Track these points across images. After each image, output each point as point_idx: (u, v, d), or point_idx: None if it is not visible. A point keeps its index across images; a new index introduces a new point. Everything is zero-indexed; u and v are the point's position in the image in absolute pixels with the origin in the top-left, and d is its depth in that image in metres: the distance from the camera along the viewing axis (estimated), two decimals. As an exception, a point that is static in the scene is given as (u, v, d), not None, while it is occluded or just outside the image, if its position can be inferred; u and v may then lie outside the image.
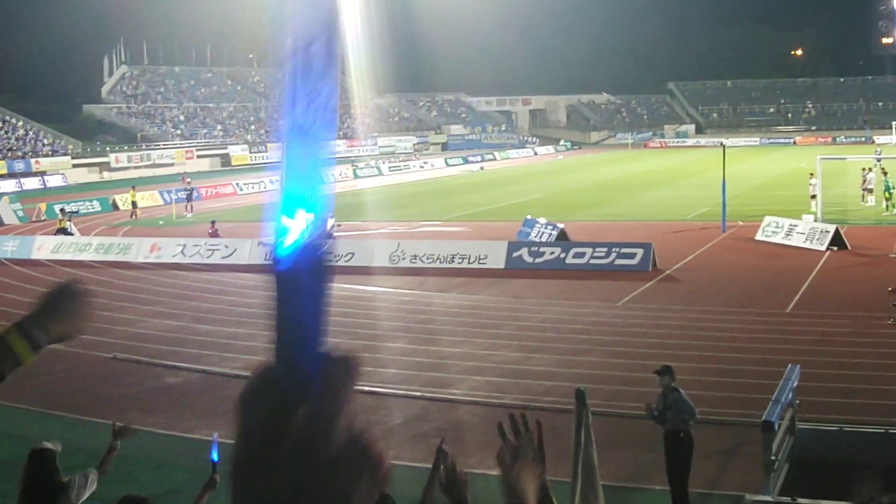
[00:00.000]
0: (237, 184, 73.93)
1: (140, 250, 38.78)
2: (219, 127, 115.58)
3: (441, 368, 20.83)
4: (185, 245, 38.69)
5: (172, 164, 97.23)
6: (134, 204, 56.57)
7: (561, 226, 38.02)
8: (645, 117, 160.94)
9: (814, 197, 46.15)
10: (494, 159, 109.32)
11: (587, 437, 9.77)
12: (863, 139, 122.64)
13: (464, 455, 15.47)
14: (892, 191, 46.12)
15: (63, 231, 43.70)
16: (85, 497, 8.87)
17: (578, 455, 10.14)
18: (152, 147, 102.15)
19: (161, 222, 52.06)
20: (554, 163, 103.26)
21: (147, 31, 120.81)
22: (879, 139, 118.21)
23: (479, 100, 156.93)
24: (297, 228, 2.34)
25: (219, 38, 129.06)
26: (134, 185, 62.85)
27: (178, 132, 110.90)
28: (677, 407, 13.38)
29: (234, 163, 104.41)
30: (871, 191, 48.47)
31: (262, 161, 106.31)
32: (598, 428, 14.88)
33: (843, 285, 29.56)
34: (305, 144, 2.43)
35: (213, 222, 43.05)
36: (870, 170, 49.69)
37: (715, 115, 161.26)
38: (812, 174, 47.64)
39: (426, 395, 19.08)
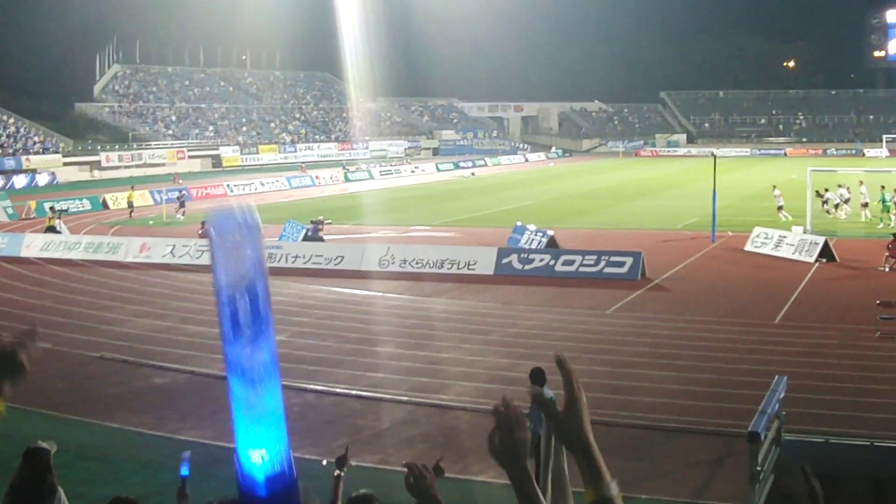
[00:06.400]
0: (228, 185, 73.89)
1: (129, 250, 38.71)
2: (210, 128, 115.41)
3: (429, 373, 20.83)
4: (174, 245, 38.64)
5: (163, 165, 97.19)
6: (130, 204, 56.41)
7: (551, 233, 38.04)
8: (636, 126, 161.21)
9: (780, 208, 47.09)
10: (486, 165, 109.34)
11: (557, 444, 9.73)
12: (853, 152, 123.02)
13: (451, 461, 15.49)
14: (887, 204, 46.32)
15: (52, 229, 43.62)
16: None
17: (549, 462, 10.12)
18: (144, 147, 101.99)
19: (151, 222, 51.98)
20: (545, 170, 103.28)
21: (140, 31, 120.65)
22: (870, 153, 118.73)
23: (471, 105, 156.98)
24: (257, 465, 2.44)
25: (212, 39, 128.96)
26: (133, 185, 62.68)
27: (170, 132, 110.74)
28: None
29: (225, 164, 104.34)
30: (866, 205, 48.44)
31: (253, 163, 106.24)
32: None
33: (832, 297, 29.63)
34: (252, 391, 2.47)
35: (203, 223, 42.95)
36: (861, 183, 49.76)
37: (706, 124, 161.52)
38: (774, 186, 48.82)
39: (414, 399, 19.08)
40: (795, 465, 7.97)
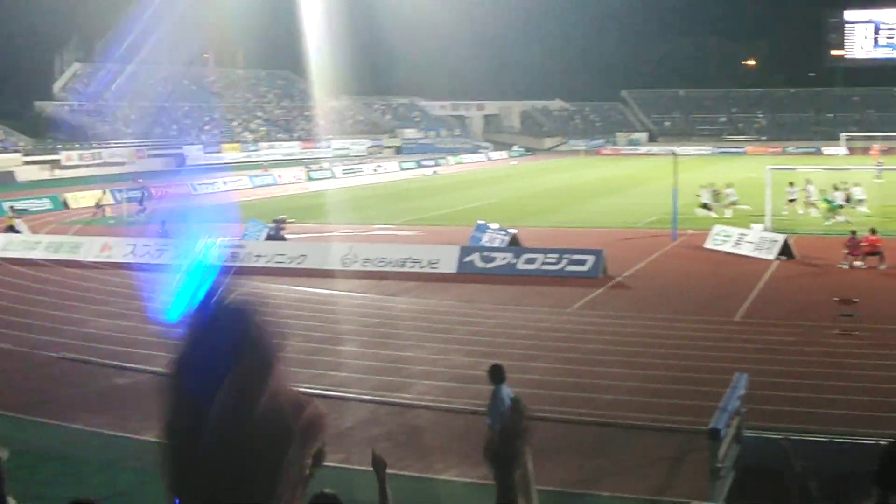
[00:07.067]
0: (191, 184, 73.58)
1: (90, 249, 38.48)
2: (173, 126, 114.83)
3: (392, 372, 20.86)
4: (135, 245, 38.45)
5: (125, 163, 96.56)
6: (99, 205, 56.15)
7: (513, 231, 38.13)
8: (598, 124, 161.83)
9: (705, 206, 48.80)
10: (448, 164, 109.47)
11: (521, 444, 9.77)
12: (813, 150, 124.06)
13: (413, 459, 15.54)
14: (831, 204, 46.93)
15: (11, 229, 43.28)
16: None
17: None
18: (104, 145, 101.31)
19: (112, 221, 51.69)
20: (507, 168, 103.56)
21: (101, 29, 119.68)
22: (828, 151, 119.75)
23: (433, 104, 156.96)
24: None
25: (174, 38, 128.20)
26: (104, 187, 62.36)
27: (131, 131, 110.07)
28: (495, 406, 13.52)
29: (188, 163, 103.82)
30: (813, 204, 48.86)
31: (215, 161, 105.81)
32: (546, 433, 14.98)
33: (791, 295, 29.88)
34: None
35: (164, 222, 42.80)
36: (809, 181, 50.28)
37: (667, 123, 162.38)
38: (703, 186, 50.93)
39: (377, 398, 19.10)
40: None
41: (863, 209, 48.66)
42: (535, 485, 10.57)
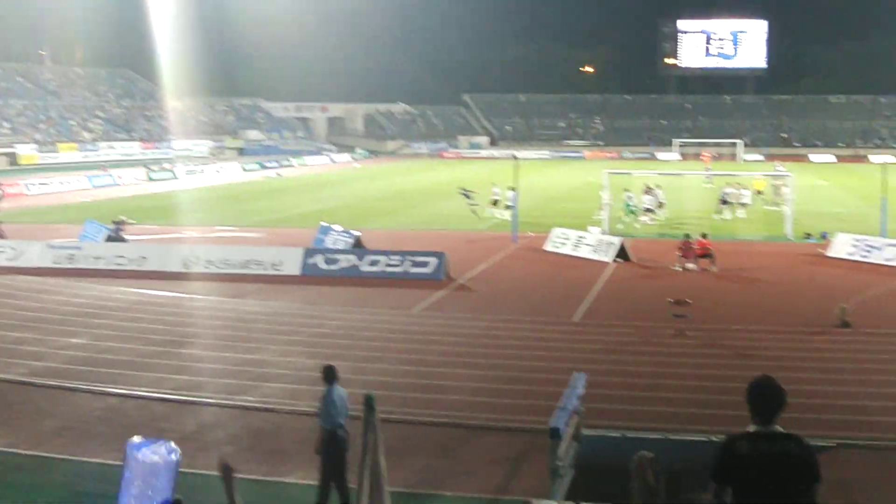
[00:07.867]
0: (25, 184, 71.64)
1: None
2: (6, 125, 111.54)
3: (234, 375, 20.71)
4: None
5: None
6: None
7: (357, 233, 38.21)
8: (440, 128, 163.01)
9: (495, 203, 51.72)
10: (291, 166, 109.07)
11: (375, 444, 9.88)
12: (647, 155, 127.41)
13: (258, 462, 15.48)
14: (633, 209, 48.71)
15: None
16: None
17: (365, 461, 10.28)
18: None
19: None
20: (350, 171, 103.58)
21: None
22: (662, 156, 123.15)
23: (276, 105, 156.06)
24: None
25: (8, 33, 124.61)
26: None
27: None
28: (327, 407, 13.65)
29: (21, 162, 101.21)
30: (651, 210, 50.03)
31: (51, 161, 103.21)
32: (390, 434, 15.09)
33: (628, 296, 30.64)
34: None
35: (-3, 223, 41.63)
36: (650, 188, 51.55)
37: (508, 127, 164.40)
38: (493, 184, 53.74)
39: (220, 402, 18.95)
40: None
41: (661, 211, 50.53)
42: (387, 486, 10.67)
